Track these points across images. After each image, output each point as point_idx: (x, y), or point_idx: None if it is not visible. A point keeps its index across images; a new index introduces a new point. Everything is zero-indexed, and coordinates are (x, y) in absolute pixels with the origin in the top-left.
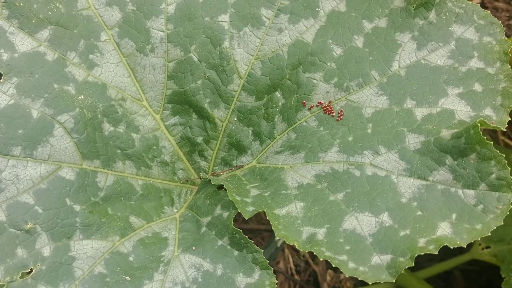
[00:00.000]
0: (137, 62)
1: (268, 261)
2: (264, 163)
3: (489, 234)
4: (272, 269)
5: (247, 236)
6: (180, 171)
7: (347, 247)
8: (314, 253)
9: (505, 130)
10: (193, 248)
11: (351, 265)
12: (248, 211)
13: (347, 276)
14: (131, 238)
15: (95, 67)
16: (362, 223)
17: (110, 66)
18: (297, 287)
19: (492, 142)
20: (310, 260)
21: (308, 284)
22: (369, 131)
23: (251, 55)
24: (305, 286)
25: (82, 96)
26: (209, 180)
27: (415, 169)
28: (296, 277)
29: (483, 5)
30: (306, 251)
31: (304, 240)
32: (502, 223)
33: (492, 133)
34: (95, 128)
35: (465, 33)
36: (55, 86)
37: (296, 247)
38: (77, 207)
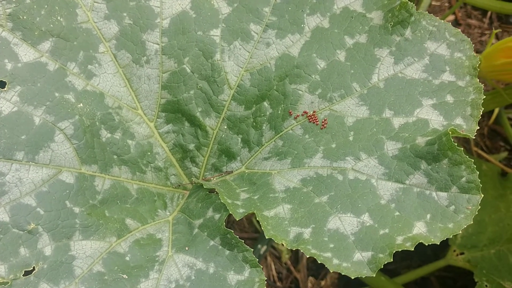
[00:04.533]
0: (133, 72)
1: (257, 260)
2: (252, 169)
3: (460, 232)
4: (261, 267)
5: (237, 236)
6: (173, 176)
7: (331, 245)
8: (301, 251)
9: (477, 141)
10: (186, 248)
11: (335, 261)
12: (239, 213)
13: (331, 271)
14: (127, 239)
15: (94, 77)
16: (345, 223)
17: (108, 76)
18: None
19: (463, 149)
20: (291, 268)
21: None
22: (351, 138)
23: (241, 67)
24: None
25: (81, 104)
26: (201, 185)
27: (393, 174)
28: (278, 284)
29: (456, 22)
30: (294, 249)
31: (291, 239)
32: (472, 222)
33: (466, 145)
34: (93, 134)
35: (438, 49)
36: (56, 94)
37: (284, 246)
38: (76, 209)
